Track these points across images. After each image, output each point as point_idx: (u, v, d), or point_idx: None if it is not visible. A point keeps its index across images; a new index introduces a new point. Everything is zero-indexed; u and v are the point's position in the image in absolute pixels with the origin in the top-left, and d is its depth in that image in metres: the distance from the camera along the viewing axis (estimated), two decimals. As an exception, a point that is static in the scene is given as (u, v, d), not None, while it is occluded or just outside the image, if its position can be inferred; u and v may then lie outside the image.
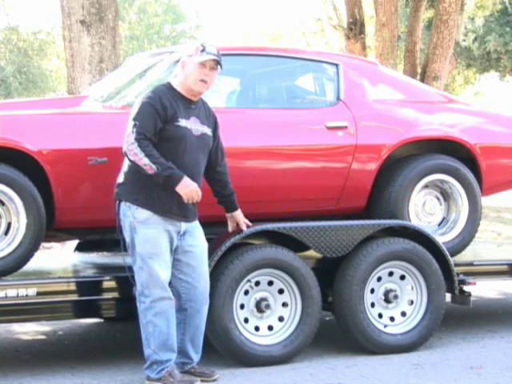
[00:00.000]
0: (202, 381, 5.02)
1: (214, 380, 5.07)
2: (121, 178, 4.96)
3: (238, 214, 5.32)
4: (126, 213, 4.89)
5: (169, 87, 5.00)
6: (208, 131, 5.06)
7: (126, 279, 5.13)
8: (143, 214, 4.86)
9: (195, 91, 4.99)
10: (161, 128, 4.85)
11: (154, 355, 4.88)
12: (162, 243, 4.89)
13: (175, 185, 4.81)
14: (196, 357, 5.10)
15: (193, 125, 4.97)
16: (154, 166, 4.74)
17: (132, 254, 4.92)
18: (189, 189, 4.83)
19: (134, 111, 4.88)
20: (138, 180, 4.86)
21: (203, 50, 4.94)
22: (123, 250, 5.01)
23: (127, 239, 4.92)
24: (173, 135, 4.88)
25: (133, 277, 5.00)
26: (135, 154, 4.75)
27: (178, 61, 5.73)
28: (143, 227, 4.85)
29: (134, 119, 4.82)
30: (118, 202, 4.95)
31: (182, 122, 4.93)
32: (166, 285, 4.89)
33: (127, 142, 4.79)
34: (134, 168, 4.83)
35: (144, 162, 4.74)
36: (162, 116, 4.85)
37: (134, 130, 4.77)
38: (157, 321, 4.87)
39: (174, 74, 5.22)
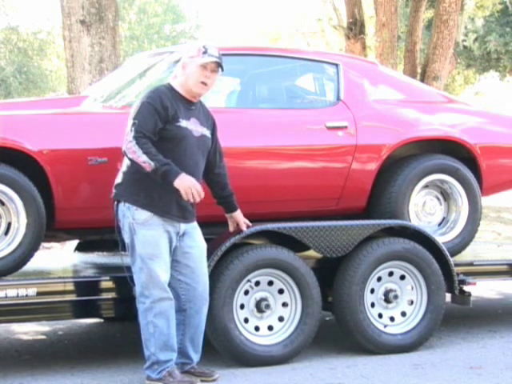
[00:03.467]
0: (201, 381, 5.03)
1: (214, 380, 5.07)
2: (119, 179, 4.95)
3: (238, 214, 5.32)
4: (126, 214, 4.88)
5: (169, 88, 4.99)
6: (207, 133, 5.05)
7: (125, 279, 5.14)
8: (143, 214, 4.85)
9: (195, 93, 4.99)
10: (161, 128, 4.84)
11: (155, 356, 4.88)
12: (162, 244, 4.89)
13: (173, 180, 4.75)
14: (196, 357, 5.10)
15: (193, 126, 4.97)
16: (152, 163, 4.71)
17: (131, 254, 4.91)
18: (187, 184, 4.77)
19: (133, 111, 4.88)
20: (137, 180, 4.86)
21: (205, 52, 4.93)
22: (121, 250, 5.01)
23: (127, 240, 4.92)
24: (173, 135, 4.88)
25: (131, 277, 5.00)
26: (134, 152, 4.73)
27: (178, 61, 5.73)
28: (143, 228, 4.85)
29: (134, 118, 4.81)
30: (116, 202, 4.95)
31: (183, 123, 4.92)
32: (165, 285, 4.89)
33: (126, 140, 4.78)
34: (134, 168, 4.82)
35: (142, 159, 4.72)
36: (162, 116, 4.84)
37: (133, 128, 4.77)
38: (157, 321, 4.86)
39: (173, 74, 5.20)
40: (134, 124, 4.78)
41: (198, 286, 5.02)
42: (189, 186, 4.78)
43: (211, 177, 5.17)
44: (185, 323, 5.02)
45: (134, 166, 4.80)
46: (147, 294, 4.86)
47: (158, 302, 4.86)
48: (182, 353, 5.04)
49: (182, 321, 5.01)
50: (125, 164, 4.92)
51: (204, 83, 4.95)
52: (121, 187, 4.92)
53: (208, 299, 5.09)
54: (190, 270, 4.99)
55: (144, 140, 4.75)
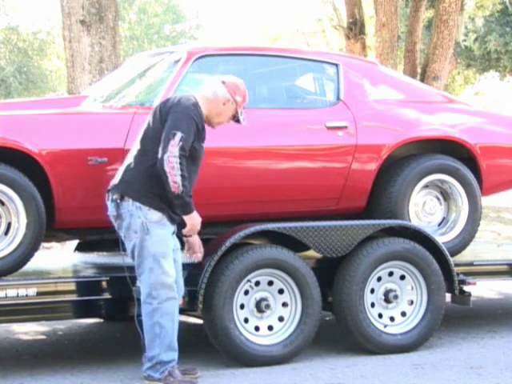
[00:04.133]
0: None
1: (197, 377, 5.10)
2: (128, 176, 4.89)
3: (197, 239, 5.19)
4: (135, 213, 4.86)
5: (199, 107, 4.98)
6: None
7: (126, 279, 5.13)
8: (156, 215, 4.85)
9: (211, 124, 5.07)
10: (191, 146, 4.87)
11: (159, 356, 4.89)
12: (170, 243, 4.94)
13: (187, 213, 4.86)
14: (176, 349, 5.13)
15: (203, 145, 5.02)
16: (181, 188, 4.74)
17: (140, 254, 4.88)
18: (196, 223, 4.93)
19: (178, 120, 4.80)
20: (150, 183, 4.84)
21: (244, 108, 5.09)
22: (122, 249, 5.00)
23: (134, 240, 4.89)
24: (195, 154, 4.91)
25: (131, 277, 5.00)
26: (173, 168, 4.72)
27: (178, 61, 5.74)
28: (157, 228, 4.85)
29: (183, 131, 4.77)
30: (119, 199, 4.89)
31: (203, 144, 4.99)
32: (174, 285, 4.92)
33: (170, 152, 4.72)
34: (151, 172, 4.80)
35: (176, 179, 4.73)
36: (199, 135, 4.90)
37: (181, 144, 4.74)
38: (163, 322, 4.87)
39: (202, 89, 5.13)
40: (182, 139, 4.75)
41: (180, 280, 5.08)
42: (196, 226, 4.95)
43: None
44: None
45: (155, 171, 4.78)
46: (155, 294, 4.86)
47: (165, 302, 4.87)
48: None
49: None
50: (142, 164, 4.87)
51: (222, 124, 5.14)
52: (128, 185, 4.88)
53: (182, 288, 5.13)
54: (176, 264, 5.02)
55: (185, 160, 4.76)
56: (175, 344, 4.94)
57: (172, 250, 4.97)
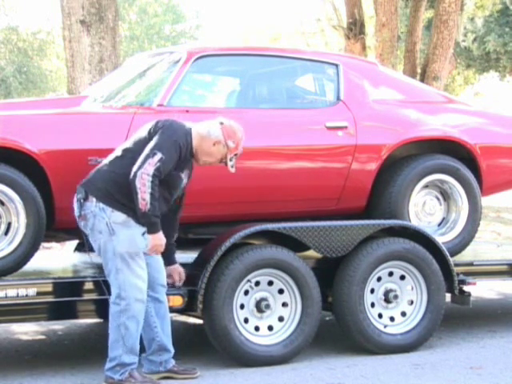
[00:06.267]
0: (185, 378, 5.09)
1: (196, 377, 5.12)
2: (98, 177, 4.89)
3: (178, 267, 5.28)
4: (99, 214, 4.84)
5: (190, 138, 4.97)
6: (186, 182, 5.09)
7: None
8: (120, 216, 4.84)
9: (197, 161, 5.05)
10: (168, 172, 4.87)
11: (120, 358, 4.89)
12: (140, 243, 4.89)
13: (153, 233, 4.83)
14: (172, 347, 5.13)
15: (184, 176, 5.02)
16: (149, 206, 4.72)
17: (105, 255, 4.88)
18: (160, 243, 4.88)
19: (164, 144, 4.79)
20: (118, 191, 4.83)
21: (236, 155, 5.05)
22: (88, 248, 5.01)
23: (100, 240, 4.88)
24: (170, 183, 4.91)
25: (104, 280, 5.00)
26: (144, 185, 4.70)
27: (178, 61, 5.74)
28: (123, 228, 4.84)
29: (163, 154, 4.76)
30: (82, 199, 4.88)
31: (182, 174, 4.99)
32: (144, 287, 4.90)
33: (145, 169, 4.72)
34: (120, 180, 4.81)
35: (145, 197, 4.71)
36: (179, 164, 4.88)
37: (158, 165, 4.73)
38: (129, 324, 4.88)
39: (203, 127, 5.10)
40: (160, 160, 4.74)
41: (156, 273, 5.05)
42: (159, 247, 4.89)
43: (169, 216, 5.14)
44: (153, 315, 5.07)
45: (124, 181, 4.78)
46: (124, 295, 4.86)
47: (133, 304, 4.86)
48: (161, 347, 5.10)
49: (150, 313, 5.05)
50: (114, 170, 4.87)
51: (209, 164, 5.10)
52: (93, 183, 4.88)
53: (166, 286, 5.12)
54: (151, 258, 5.00)
55: (157, 182, 4.75)
56: (137, 348, 4.94)
57: (142, 250, 4.95)
